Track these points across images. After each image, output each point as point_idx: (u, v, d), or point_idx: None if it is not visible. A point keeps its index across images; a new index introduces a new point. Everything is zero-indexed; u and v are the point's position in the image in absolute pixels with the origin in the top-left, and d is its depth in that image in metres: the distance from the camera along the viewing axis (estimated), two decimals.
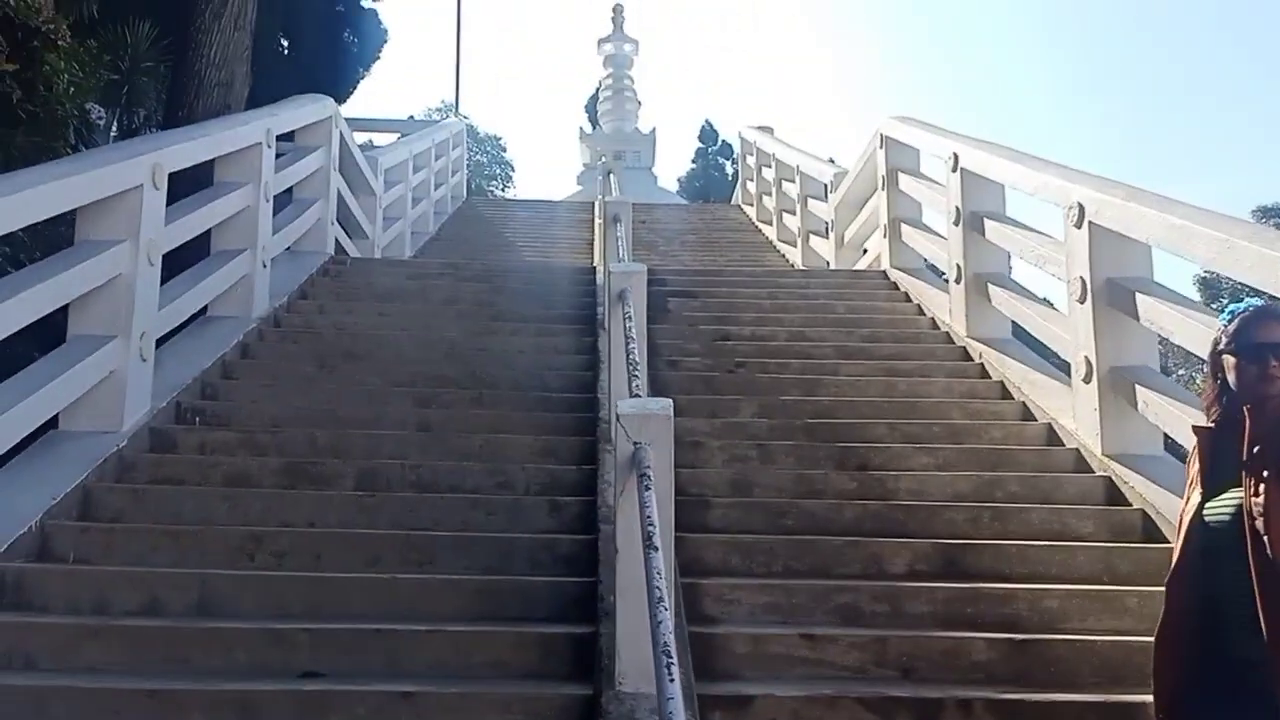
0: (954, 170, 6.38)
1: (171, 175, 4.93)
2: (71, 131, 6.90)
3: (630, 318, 4.23)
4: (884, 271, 7.82)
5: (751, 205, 14.31)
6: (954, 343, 6.32)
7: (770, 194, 12.96)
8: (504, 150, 48.17)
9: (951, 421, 5.21)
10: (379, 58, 14.67)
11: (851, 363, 5.97)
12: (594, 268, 7.94)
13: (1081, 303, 4.72)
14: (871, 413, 5.27)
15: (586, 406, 5.22)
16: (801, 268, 10.39)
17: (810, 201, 10.75)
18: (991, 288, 6.00)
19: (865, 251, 9.26)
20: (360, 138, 10.58)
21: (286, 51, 13.49)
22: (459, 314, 6.65)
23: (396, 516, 4.08)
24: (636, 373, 3.65)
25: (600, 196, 13.59)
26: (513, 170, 47.42)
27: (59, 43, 6.07)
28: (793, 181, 11.81)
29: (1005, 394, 5.56)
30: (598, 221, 11.31)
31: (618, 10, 41.96)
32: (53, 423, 4.41)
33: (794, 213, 11.67)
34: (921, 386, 5.66)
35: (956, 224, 6.34)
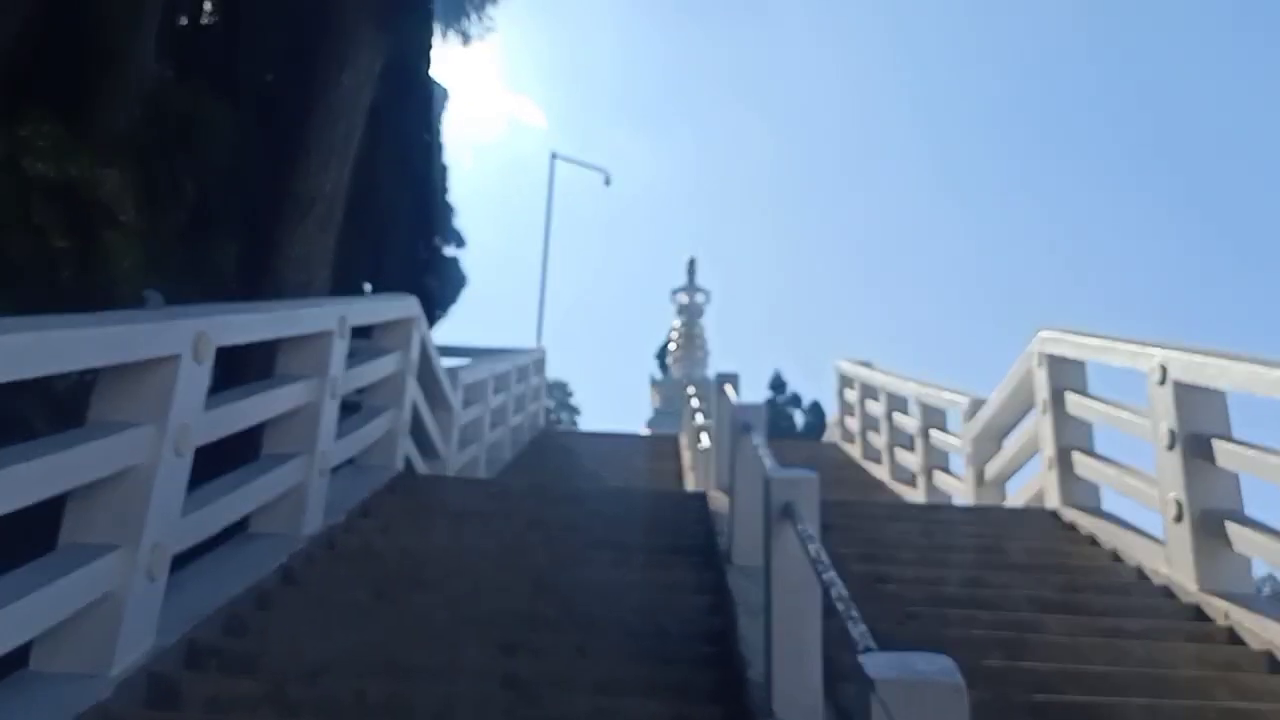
0: (1161, 384, 5.23)
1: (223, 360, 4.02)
2: None
3: (811, 538, 3.04)
4: (1053, 511, 6.52)
5: (853, 442, 13.16)
6: (1178, 598, 4.93)
7: (878, 429, 11.84)
8: (570, 395, 48.54)
9: (1224, 705, 3.79)
10: (456, 301, 14.97)
11: (1056, 618, 4.60)
12: (704, 493, 6.80)
13: None
14: (1111, 688, 3.87)
15: (721, 662, 3.93)
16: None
17: (933, 434, 9.60)
18: (1233, 528, 4.69)
19: (999, 485, 8.07)
20: None
21: (370, 292, 13.40)
22: (548, 539, 5.47)
23: None
24: (853, 614, 2.42)
25: (688, 420, 12.68)
26: (579, 414, 47.47)
27: (121, 219, 5.37)
28: (906, 414, 10.76)
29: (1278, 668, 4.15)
30: (694, 448, 10.28)
31: (692, 263, 43.11)
32: (24, 656, 3.29)
33: (910, 448, 10.55)
34: (1162, 654, 4.26)
35: (1171, 449, 5.10)
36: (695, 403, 12.02)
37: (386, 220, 12.57)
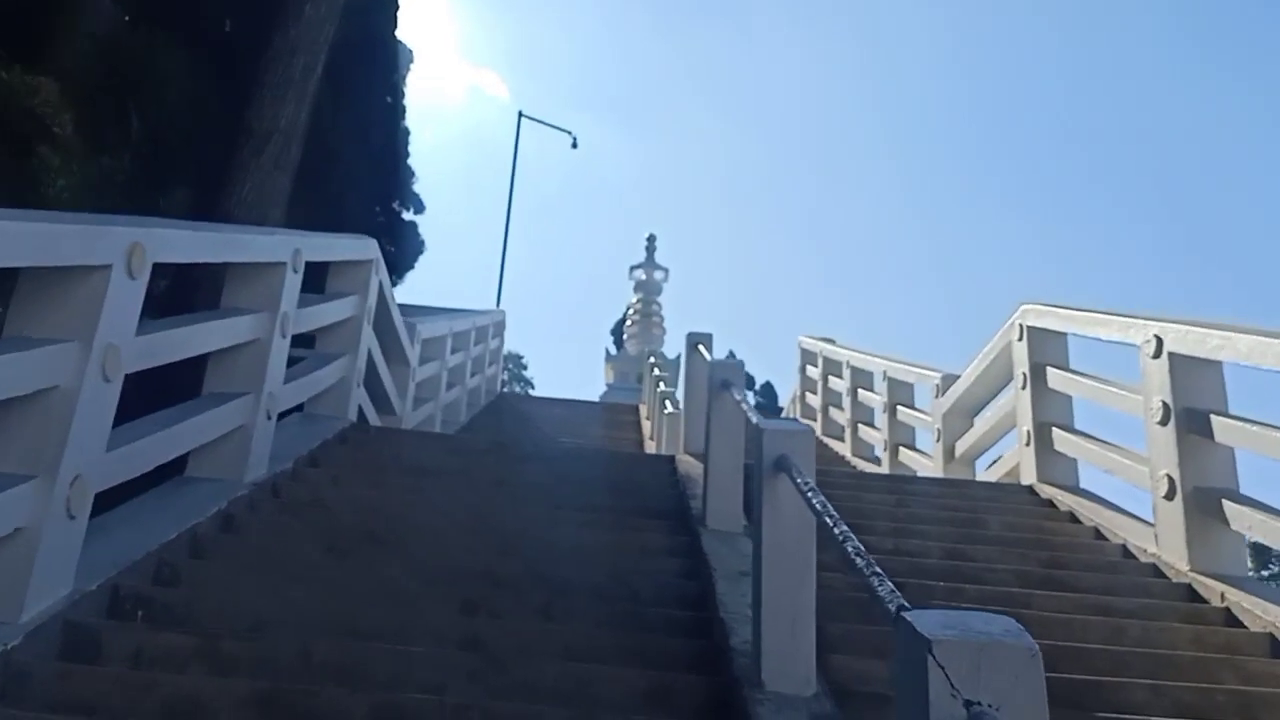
0: (1155, 356, 5.02)
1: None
2: None
3: (814, 490, 2.75)
4: (1029, 487, 6.32)
5: (814, 419, 12.94)
6: (1167, 577, 4.74)
7: (841, 406, 11.64)
8: (525, 368, 48.15)
9: (1231, 688, 3.58)
10: (414, 267, 14.91)
11: (1045, 595, 4.38)
12: (672, 456, 6.50)
13: None
14: (1111, 667, 3.65)
15: (700, 630, 3.64)
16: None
17: (900, 410, 9.40)
18: (1231, 507, 4.49)
19: (969, 461, 7.92)
20: None
21: None
22: (513, 498, 5.13)
23: None
24: (876, 569, 2.14)
25: (650, 388, 12.42)
26: (532, 388, 47.07)
27: (54, 130, 4.90)
28: (871, 390, 10.59)
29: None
30: (656, 416, 9.99)
31: (651, 240, 42.88)
32: None
33: (873, 425, 10.39)
34: (1159, 634, 4.05)
35: (1164, 424, 4.90)
36: (657, 371, 11.75)
37: (344, 181, 12.19)
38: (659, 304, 42.10)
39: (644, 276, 41.88)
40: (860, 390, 10.88)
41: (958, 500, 6.00)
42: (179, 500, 4.16)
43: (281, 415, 5.33)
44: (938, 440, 8.11)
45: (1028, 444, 6.47)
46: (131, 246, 3.30)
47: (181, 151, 9.35)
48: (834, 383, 12.14)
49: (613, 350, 42.26)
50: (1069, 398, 6.36)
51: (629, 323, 41.46)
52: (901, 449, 9.25)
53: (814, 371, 13.19)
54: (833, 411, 12.09)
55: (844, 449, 11.15)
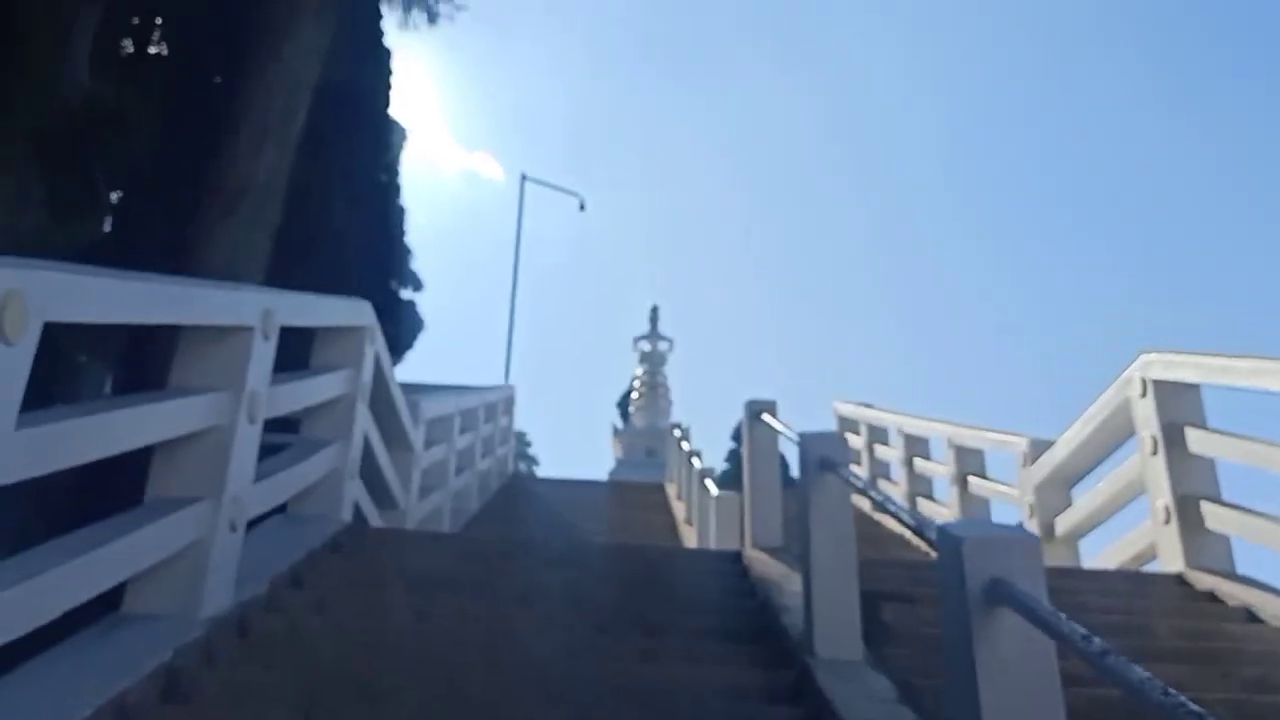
0: None
1: None
2: None
3: (1104, 650, 1.64)
4: (1178, 575, 5.17)
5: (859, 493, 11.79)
6: None
7: (891, 478, 10.53)
8: (529, 445, 46.98)
9: None
10: (413, 346, 14.55)
11: None
12: (738, 552, 5.37)
13: None
14: None
15: None
16: None
17: (974, 482, 8.28)
18: None
19: (1072, 541, 6.78)
20: None
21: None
22: (547, 619, 3.97)
23: None
24: None
25: (681, 466, 11.31)
26: (536, 465, 45.88)
27: None
28: (928, 459, 9.50)
29: None
30: (692, 498, 8.86)
31: (655, 311, 42.19)
32: None
33: (932, 498, 9.30)
34: None
35: None
36: (686, 445, 10.66)
37: (338, 260, 11.56)
38: (665, 375, 41.17)
39: (648, 348, 41.05)
40: (916, 460, 9.77)
41: (1099, 597, 4.83)
42: (105, 652, 3.02)
43: (258, 519, 4.23)
44: (1030, 516, 6.97)
45: (1167, 522, 5.33)
46: (4, 296, 2.23)
47: (154, 217, 8.43)
48: (882, 451, 11.04)
49: (619, 425, 41.19)
50: (1212, 463, 5.26)
51: (635, 395, 40.49)
52: None
53: (855, 441, 12.06)
54: (881, 484, 10.95)
55: (901, 527, 9.98)
